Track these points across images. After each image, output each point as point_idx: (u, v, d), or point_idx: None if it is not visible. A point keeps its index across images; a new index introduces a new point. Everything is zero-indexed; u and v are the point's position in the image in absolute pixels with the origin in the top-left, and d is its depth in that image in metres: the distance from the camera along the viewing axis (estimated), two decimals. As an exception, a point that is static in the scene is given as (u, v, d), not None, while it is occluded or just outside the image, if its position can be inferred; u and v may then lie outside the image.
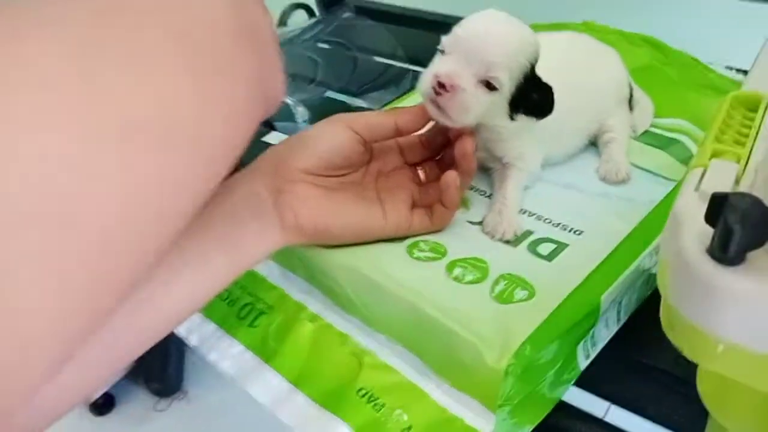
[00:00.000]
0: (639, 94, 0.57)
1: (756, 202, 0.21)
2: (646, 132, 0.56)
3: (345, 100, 0.79)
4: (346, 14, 0.97)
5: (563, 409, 0.44)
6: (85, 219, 0.17)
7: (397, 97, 0.76)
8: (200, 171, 0.23)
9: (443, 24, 0.96)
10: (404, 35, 0.90)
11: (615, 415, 0.45)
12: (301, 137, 0.44)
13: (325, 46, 0.90)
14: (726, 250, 0.22)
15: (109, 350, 0.34)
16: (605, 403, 0.45)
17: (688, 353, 0.25)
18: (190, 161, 0.22)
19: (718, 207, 0.22)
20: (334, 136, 0.44)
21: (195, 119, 0.22)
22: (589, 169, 0.52)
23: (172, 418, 1.10)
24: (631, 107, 0.56)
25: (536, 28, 0.69)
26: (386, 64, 0.86)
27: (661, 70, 0.62)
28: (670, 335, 0.26)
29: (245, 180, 0.42)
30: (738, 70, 0.64)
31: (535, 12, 0.87)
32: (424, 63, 0.84)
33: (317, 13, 1.03)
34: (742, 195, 0.22)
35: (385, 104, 0.75)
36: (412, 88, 0.77)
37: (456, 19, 0.94)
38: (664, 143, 0.54)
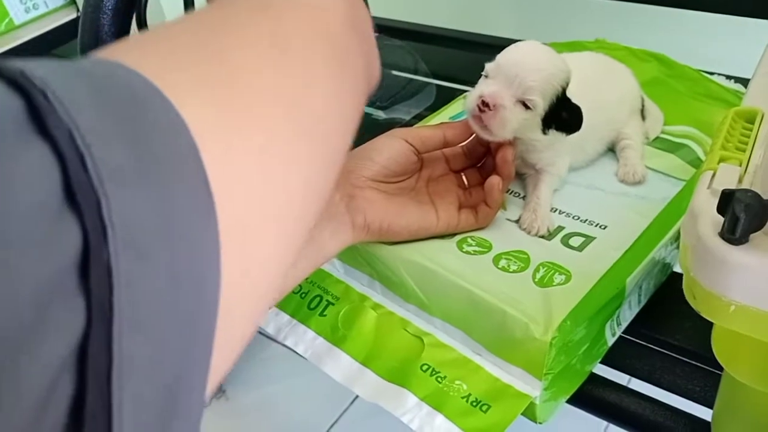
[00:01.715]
0: (649, 104, 0.63)
1: (756, 196, 0.29)
2: (657, 138, 0.62)
3: (372, 113, 0.84)
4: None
5: (593, 380, 0.51)
6: (293, 197, 0.24)
7: (425, 110, 0.82)
8: (341, 156, 0.28)
9: (461, 41, 1.02)
10: (425, 52, 0.95)
11: (635, 385, 0.51)
12: (365, 149, 0.51)
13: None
14: (734, 233, 0.29)
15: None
16: (626, 377, 0.51)
17: (708, 314, 0.32)
18: (342, 147, 0.28)
19: (727, 200, 0.29)
20: (393, 148, 0.51)
21: (338, 107, 0.27)
22: (609, 171, 0.58)
23: (213, 416, 1.15)
24: (643, 117, 0.62)
25: (554, 46, 0.76)
26: (409, 78, 0.91)
27: (667, 82, 0.68)
28: (692, 302, 0.33)
29: None
30: (737, 80, 0.70)
31: (550, 31, 0.94)
32: (444, 77, 0.90)
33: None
34: (746, 191, 0.29)
35: (413, 116, 0.81)
36: (435, 100, 0.83)
37: (472, 36, 1.00)
38: (673, 147, 0.60)
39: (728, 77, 0.71)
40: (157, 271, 0.17)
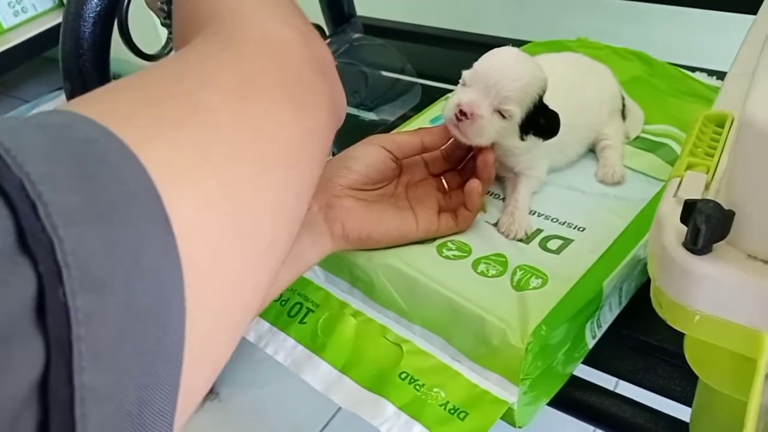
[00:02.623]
0: (630, 103, 0.63)
1: (717, 206, 0.28)
2: (637, 137, 0.62)
3: (358, 114, 0.83)
4: (356, 35, 1.02)
5: (574, 383, 0.51)
6: (262, 223, 0.25)
7: (410, 110, 0.82)
8: (311, 182, 0.30)
9: (447, 39, 1.02)
10: (410, 51, 0.94)
11: (622, 388, 0.51)
12: (342, 158, 0.51)
13: (338, 66, 0.95)
14: (696, 244, 0.29)
15: None
16: (611, 378, 0.52)
17: (674, 324, 0.32)
18: (310, 174, 0.29)
19: (689, 211, 0.29)
20: (371, 155, 0.51)
21: (302, 135, 0.29)
22: (588, 172, 0.58)
23: (206, 418, 1.15)
24: (623, 116, 0.62)
25: (535, 46, 0.76)
26: (395, 78, 0.91)
27: (648, 81, 0.68)
28: (659, 311, 0.33)
29: None
30: (720, 76, 0.70)
31: (537, 28, 0.94)
32: (430, 76, 0.90)
33: (327, 32, 1.09)
34: (707, 201, 0.29)
35: (399, 117, 0.81)
36: (420, 100, 0.83)
37: (458, 34, 1.00)
38: (653, 147, 0.60)
39: (710, 74, 0.71)
40: (115, 304, 0.18)
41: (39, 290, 0.17)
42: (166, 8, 0.42)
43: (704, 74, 0.70)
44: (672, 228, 0.31)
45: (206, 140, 0.23)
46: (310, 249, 0.47)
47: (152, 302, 0.19)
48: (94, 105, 0.22)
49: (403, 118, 0.79)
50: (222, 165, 0.23)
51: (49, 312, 0.17)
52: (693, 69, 0.72)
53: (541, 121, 0.51)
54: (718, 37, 0.82)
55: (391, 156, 0.51)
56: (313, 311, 0.53)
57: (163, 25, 0.46)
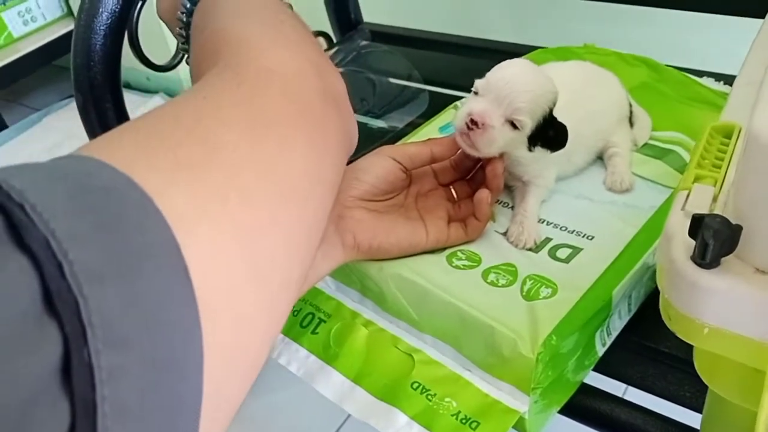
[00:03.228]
0: (638, 110, 0.63)
1: (724, 221, 0.29)
2: (645, 144, 0.62)
3: (367, 122, 0.84)
4: (363, 42, 1.03)
5: (584, 391, 0.51)
6: (276, 258, 0.26)
7: (418, 117, 0.82)
8: (324, 215, 0.30)
9: (454, 45, 1.02)
10: (418, 57, 0.94)
11: (630, 394, 0.51)
12: (352, 169, 0.51)
13: (346, 74, 0.95)
14: (704, 258, 0.29)
15: None
16: (622, 385, 0.52)
17: (682, 336, 0.32)
18: (323, 207, 0.30)
19: (696, 226, 0.29)
20: (380, 166, 0.51)
21: (316, 171, 0.29)
22: (597, 180, 0.58)
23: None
24: (631, 123, 0.62)
25: (542, 53, 0.77)
26: (402, 85, 0.91)
27: (656, 87, 0.68)
28: (668, 323, 0.33)
29: None
30: (727, 80, 0.70)
31: (544, 33, 0.94)
32: (438, 83, 0.90)
33: (334, 39, 1.09)
34: (714, 216, 0.29)
35: (407, 124, 0.81)
36: (428, 107, 0.83)
37: (465, 40, 1.00)
38: (661, 154, 0.60)
39: (718, 78, 0.71)
40: (138, 360, 0.18)
41: (65, 351, 0.17)
42: (184, 33, 0.43)
43: (711, 79, 0.70)
44: (680, 242, 0.31)
45: (222, 184, 0.24)
46: (321, 260, 0.48)
47: (173, 353, 0.19)
48: (114, 149, 0.23)
49: (411, 126, 0.79)
50: (237, 208, 0.24)
51: (75, 373, 0.17)
52: (701, 73, 0.72)
53: (550, 133, 0.51)
54: (726, 40, 0.82)
55: (400, 167, 0.52)
56: (325, 321, 0.54)
57: (180, 49, 0.47)
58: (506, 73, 0.50)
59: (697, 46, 0.86)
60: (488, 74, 0.50)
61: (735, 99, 0.42)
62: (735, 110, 0.41)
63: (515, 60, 0.51)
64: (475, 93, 0.51)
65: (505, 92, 0.49)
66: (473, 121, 0.49)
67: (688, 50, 0.77)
